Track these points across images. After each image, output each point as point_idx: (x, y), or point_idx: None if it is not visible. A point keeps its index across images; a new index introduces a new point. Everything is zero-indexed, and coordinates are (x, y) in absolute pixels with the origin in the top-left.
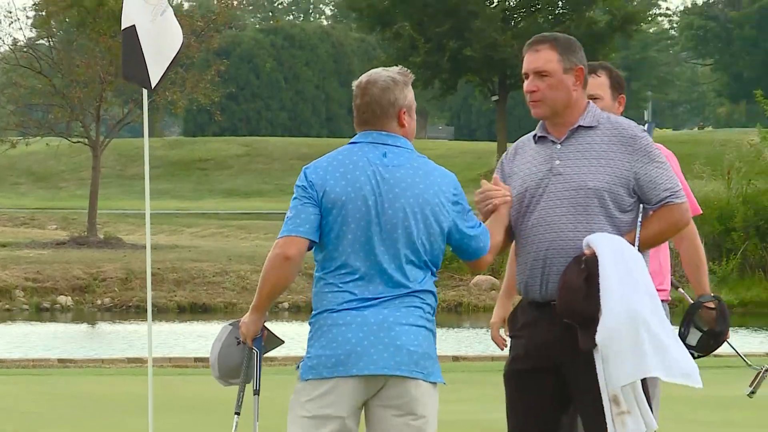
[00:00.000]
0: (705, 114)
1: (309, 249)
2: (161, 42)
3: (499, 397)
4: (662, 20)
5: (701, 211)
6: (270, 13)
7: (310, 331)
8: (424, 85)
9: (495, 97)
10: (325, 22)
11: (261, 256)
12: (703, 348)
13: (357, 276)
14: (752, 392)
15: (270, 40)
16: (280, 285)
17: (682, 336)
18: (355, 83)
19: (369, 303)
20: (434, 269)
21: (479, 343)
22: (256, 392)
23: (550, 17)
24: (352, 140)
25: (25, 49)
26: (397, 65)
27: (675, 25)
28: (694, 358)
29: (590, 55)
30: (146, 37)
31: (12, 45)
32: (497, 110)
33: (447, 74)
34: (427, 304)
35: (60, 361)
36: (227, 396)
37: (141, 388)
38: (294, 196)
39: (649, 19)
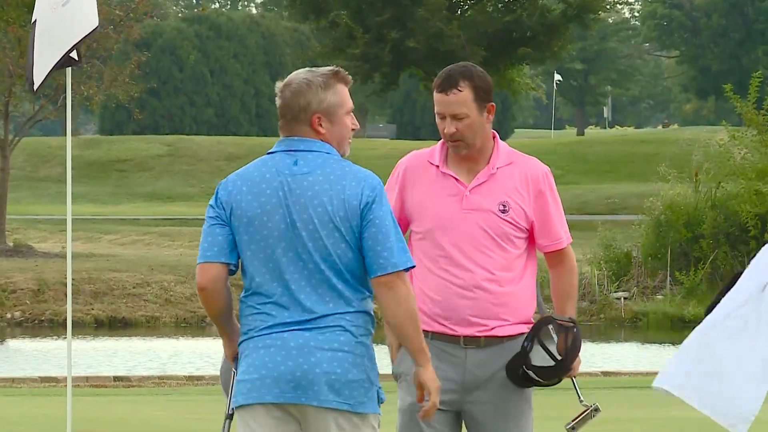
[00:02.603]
0: (670, 111)
1: (235, 270)
2: (54, 37)
3: None
4: (622, 8)
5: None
6: (194, 1)
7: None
8: (363, 79)
9: None
10: (254, 11)
11: (185, 265)
12: (546, 375)
13: (272, 299)
14: (572, 428)
15: (194, 29)
16: (214, 312)
17: (524, 351)
18: None
19: (288, 327)
20: (361, 284)
21: None
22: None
23: (499, 5)
24: (270, 149)
25: None
26: (333, 57)
27: (636, 13)
28: (532, 383)
29: (544, 47)
30: (42, 31)
31: None
32: None
33: (388, 67)
34: (357, 325)
35: None
36: (150, 418)
37: (57, 410)
38: (205, 216)
39: (608, 7)
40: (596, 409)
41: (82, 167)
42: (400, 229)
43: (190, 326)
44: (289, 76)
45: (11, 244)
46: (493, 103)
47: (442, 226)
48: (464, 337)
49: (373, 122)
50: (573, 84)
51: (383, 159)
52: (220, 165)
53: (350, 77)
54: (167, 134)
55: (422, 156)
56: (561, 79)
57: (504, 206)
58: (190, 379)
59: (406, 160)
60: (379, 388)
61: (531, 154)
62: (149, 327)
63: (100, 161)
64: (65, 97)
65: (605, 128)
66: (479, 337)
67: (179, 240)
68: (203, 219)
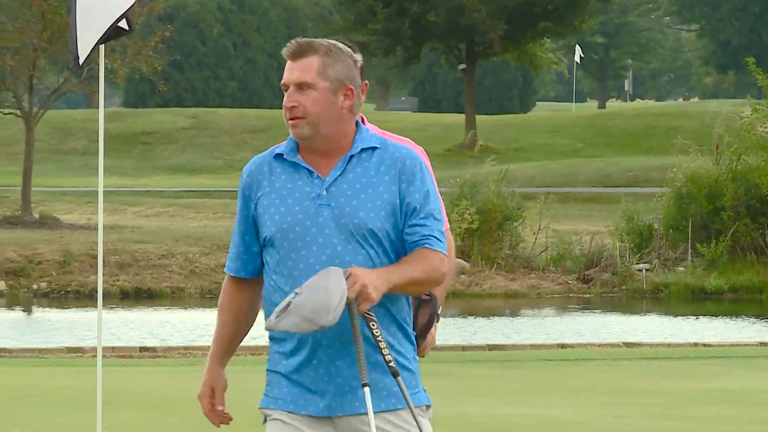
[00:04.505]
0: (690, 84)
1: None
2: (95, 13)
3: (470, 390)
4: None
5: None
6: None
7: None
8: (384, 52)
9: (462, 66)
10: None
11: (210, 236)
12: None
13: None
14: None
15: (217, 3)
16: None
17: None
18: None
19: None
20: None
21: (449, 332)
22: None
23: None
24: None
25: None
26: (354, 31)
27: None
28: None
29: (565, 21)
30: (82, 7)
31: None
32: (464, 80)
33: (409, 41)
34: None
35: None
36: (176, 389)
37: (83, 380)
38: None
39: None
40: None
41: (106, 140)
42: (237, 232)
43: (214, 297)
44: None
45: (37, 216)
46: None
47: None
48: None
49: (396, 95)
50: (594, 58)
51: (405, 132)
52: (244, 138)
53: (289, 50)
54: (191, 107)
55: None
56: (583, 55)
57: None
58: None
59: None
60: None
61: (553, 128)
62: (174, 298)
63: (124, 134)
64: (90, 70)
65: (626, 101)
66: None
67: (203, 212)
68: (227, 191)
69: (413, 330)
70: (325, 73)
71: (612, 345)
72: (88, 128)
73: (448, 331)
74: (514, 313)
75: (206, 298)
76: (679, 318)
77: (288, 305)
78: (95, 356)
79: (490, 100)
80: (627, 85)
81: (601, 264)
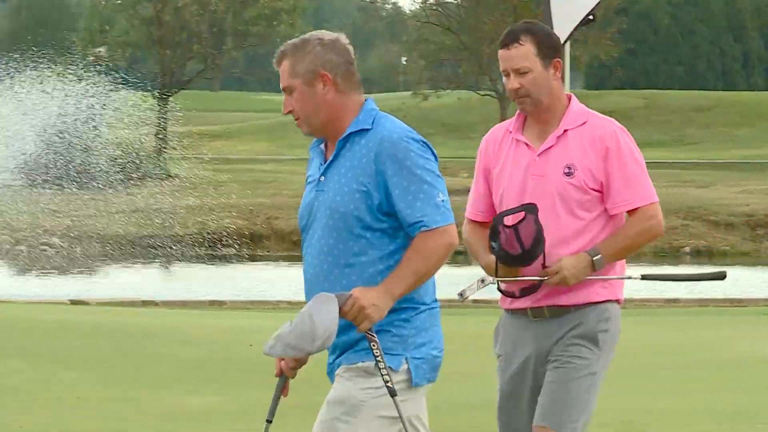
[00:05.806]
0: None
1: None
2: (566, 11)
3: None
4: None
5: (655, 200)
6: None
7: (421, 323)
8: None
9: None
10: None
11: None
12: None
13: None
14: (461, 294)
15: None
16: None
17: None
18: (345, 39)
19: None
20: None
21: None
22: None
23: None
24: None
25: (434, 7)
26: None
27: None
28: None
29: None
30: (555, 4)
31: (422, 3)
32: None
33: None
34: None
35: None
36: None
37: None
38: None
39: None
40: (482, 280)
41: None
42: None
43: None
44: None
45: None
46: (559, 59)
47: (512, 194)
48: (531, 309)
49: None
50: None
51: None
52: (690, 116)
53: (274, 62)
54: (643, 89)
55: (501, 127)
56: None
57: (569, 169)
58: None
59: (488, 134)
60: None
61: None
62: None
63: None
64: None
65: None
66: (542, 307)
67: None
68: (678, 162)
69: (523, 249)
70: (295, 71)
71: None
72: None
73: None
74: None
75: None
76: None
77: (279, 333)
78: None
79: None
80: None
81: None
